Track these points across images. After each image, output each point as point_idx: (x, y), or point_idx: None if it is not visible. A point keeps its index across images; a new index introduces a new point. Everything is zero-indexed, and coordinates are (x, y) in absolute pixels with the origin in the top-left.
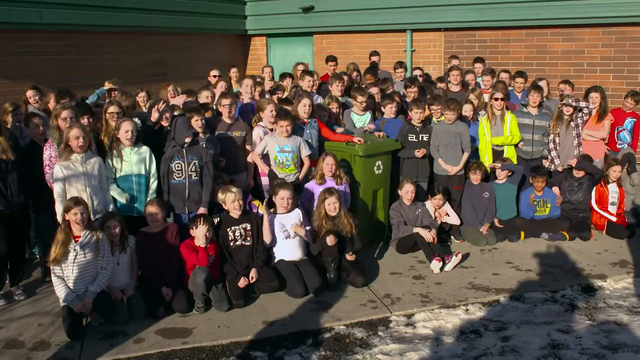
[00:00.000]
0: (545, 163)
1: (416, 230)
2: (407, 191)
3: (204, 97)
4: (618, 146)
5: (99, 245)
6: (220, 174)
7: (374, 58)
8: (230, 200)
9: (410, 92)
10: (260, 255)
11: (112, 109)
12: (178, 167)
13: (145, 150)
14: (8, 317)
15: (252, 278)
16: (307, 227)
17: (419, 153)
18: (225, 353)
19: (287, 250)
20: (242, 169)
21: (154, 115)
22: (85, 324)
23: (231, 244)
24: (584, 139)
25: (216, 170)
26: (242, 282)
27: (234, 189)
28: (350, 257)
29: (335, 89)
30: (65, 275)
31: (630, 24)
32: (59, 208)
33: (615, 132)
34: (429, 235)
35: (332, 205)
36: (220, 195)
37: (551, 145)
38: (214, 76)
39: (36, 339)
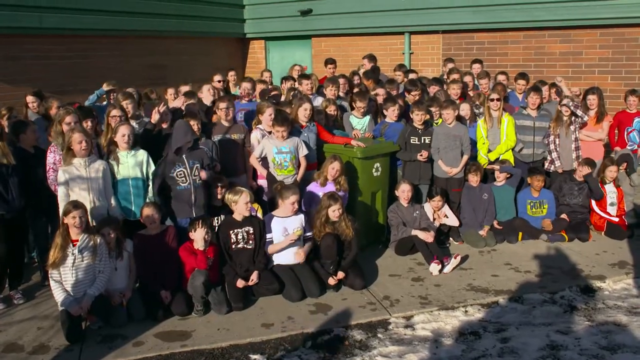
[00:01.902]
0: (545, 164)
1: (414, 232)
2: (403, 190)
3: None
4: (628, 147)
5: (97, 249)
6: (220, 176)
7: (365, 61)
8: (244, 201)
9: (412, 95)
10: (262, 258)
11: (115, 112)
12: (181, 174)
13: (142, 153)
14: (7, 321)
15: (253, 280)
16: (309, 234)
17: (421, 157)
18: (224, 356)
19: (287, 253)
20: (242, 171)
21: (154, 117)
22: (85, 328)
23: (232, 246)
24: (583, 140)
25: (215, 173)
26: (240, 283)
27: (247, 191)
28: (332, 281)
29: (329, 92)
30: (63, 279)
31: (628, 25)
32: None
33: (625, 133)
34: (427, 236)
35: (336, 212)
36: (233, 196)
37: (551, 147)
38: (218, 81)
39: (35, 342)
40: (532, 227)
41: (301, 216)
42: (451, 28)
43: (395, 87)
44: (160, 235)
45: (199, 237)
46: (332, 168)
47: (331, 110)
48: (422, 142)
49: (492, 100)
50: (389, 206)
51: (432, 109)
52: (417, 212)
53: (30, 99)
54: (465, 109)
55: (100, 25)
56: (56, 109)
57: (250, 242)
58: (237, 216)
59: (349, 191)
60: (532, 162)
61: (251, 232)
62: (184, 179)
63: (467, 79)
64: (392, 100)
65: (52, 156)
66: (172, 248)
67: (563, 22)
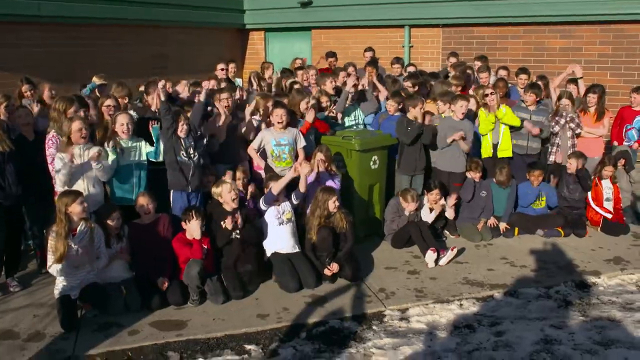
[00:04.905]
0: (549, 157)
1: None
2: (411, 209)
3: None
4: (625, 144)
5: (94, 235)
6: (209, 166)
7: (368, 54)
8: (227, 190)
9: (409, 87)
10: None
11: (109, 102)
12: (185, 144)
13: (141, 141)
14: (3, 309)
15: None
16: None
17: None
18: (219, 345)
19: (281, 238)
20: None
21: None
22: (80, 316)
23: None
24: (584, 136)
25: (207, 160)
26: (228, 222)
27: (228, 180)
28: (328, 272)
29: (330, 86)
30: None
31: (628, 22)
32: None
33: (624, 130)
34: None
35: (336, 202)
36: (216, 189)
37: (551, 140)
38: (221, 69)
39: (31, 330)
40: (529, 222)
41: (287, 203)
42: (451, 22)
43: (398, 86)
44: (154, 224)
45: (194, 226)
46: (319, 159)
47: (324, 101)
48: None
49: (486, 95)
50: (387, 199)
51: (440, 103)
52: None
53: (26, 87)
54: (472, 105)
55: (100, 14)
56: (48, 91)
57: (238, 230)
58: (227, 206)
59: (347, 184)
60: (525, 155)
61: (240, 220)
62: (184, 152)
63: (468, 72)
64: (395, 95)
65: (55, 147)
66: (167, 236)
67: (563, 17)
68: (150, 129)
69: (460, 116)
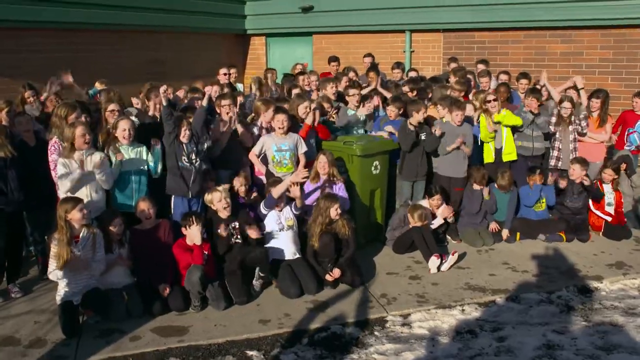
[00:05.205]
0: (551, 161)
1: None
2: (416, 225)
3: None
4: (626, 147)
5: (96, 241)
6: (211, 171)
7: (367, 59)
8: (217, 199)
9: (407, 92)
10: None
11: (112, 106)
12: (187, 149)
13: (142, 147)
14: (4, 315)
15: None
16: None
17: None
18: (221, 352)
19: (282, 244)
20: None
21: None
22: (82, 322)
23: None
24: (586, 141)
25: (208, 165)
26: (222, 230)
27: (220, 188)
28: (330, 277)
29: (330, 91)
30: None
31: (629, 26)
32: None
33: (626, 134)
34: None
35: (338, 210)
36: (207, 196)
37: (554, 144)
38: (224, 74)
39: (32, 336)
40: (531, 227)
41: (289, 207)
42: (452, 27)
43: (394, 90)
44: (155, 229)
45: (194, 232)
46: (320, 162)
47: (326, 107)
48: (418, 138)
49: (489, 101)
50: (388, 204)
51: (440, 107)
52: None
53: (28, 93)
54: (470, 110)
55: (100, 20)
56: (53, 95)
57: (238, 236)
58: (221, 213)
59: (348, 190)
60: (531, 157)
61: (237, 226)
62: (186, 158)
63: (469, 77)
64: (396, 100)
65: (57, 153)
66: (168, 241)
67: (564, 22)
68: (152, 150)
69: (458, 123)
